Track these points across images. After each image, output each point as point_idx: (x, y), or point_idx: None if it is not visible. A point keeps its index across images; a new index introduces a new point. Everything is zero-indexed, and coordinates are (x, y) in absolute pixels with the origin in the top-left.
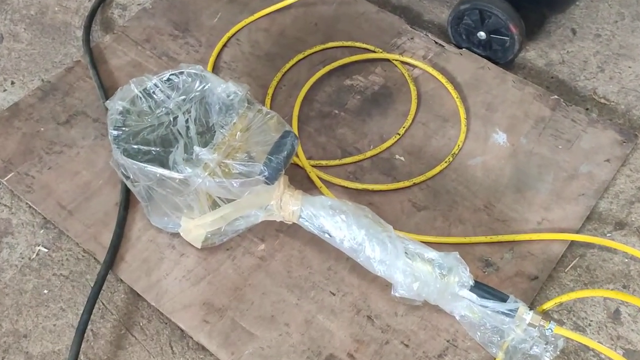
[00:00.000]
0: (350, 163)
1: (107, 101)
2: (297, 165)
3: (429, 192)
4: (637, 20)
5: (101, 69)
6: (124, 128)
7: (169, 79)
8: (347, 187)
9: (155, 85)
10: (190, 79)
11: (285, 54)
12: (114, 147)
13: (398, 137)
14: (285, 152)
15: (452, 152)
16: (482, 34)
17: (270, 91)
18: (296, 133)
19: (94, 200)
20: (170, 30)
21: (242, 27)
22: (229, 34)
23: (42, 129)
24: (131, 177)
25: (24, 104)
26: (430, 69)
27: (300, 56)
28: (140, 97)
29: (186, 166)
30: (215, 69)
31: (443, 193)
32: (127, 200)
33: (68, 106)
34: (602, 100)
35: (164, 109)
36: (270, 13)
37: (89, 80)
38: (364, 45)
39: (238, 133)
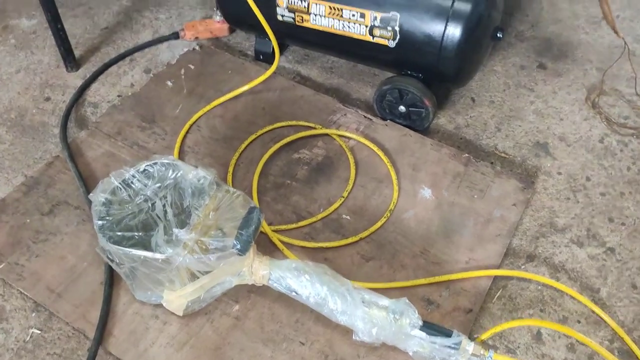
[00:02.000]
0: (305, 225)
1: (90, 194)
2: (261, 231)
3: (374, 244)
4: (520, 88)
5: (79, 161)
6: (107, 217)
7: (144, 170)
8: (304, 247)
9: (133, 176)
10: (164, 168)
11: (240, 136)
12: (100, 236)
13: (343, 199)
14: (253, 226)
15: (389, 209)
16: (402, 108)
17: (231, 169)
18: (257, 204)
19: (80, 281)
20: (138, 123)
21: (200, 116)
22: (190, 122)
23: (28, 220)
24: (116, 260)
25: (10, 199)
26: (363, 140)
27: (253, 137)
28: (120, 188)
29: (167, 247)
30: (181, 153)
31: (385, 244)
32: (111, 279)
33: (50, 197)
34: (503, 155)
35: (142, 196)
36: (224, 102)
37: (68, 172)
38: (306, 123)
39: (210, 213)
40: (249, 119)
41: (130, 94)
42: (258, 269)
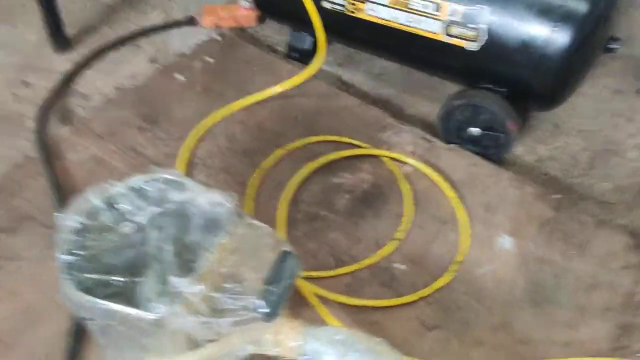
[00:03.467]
0: (346, 273)
1: (56, 214)
2: None
3: (438, 307)
4: (615, 117)
5: (57, 165)
6: (79, 252)
7: (138, 187)
8: (345, 304)
9: (122, 193)
10: (165, 186)
11: (265, 149)
12: (65, 278)
13: (397, 243)
14: (288, 281)
15: (458, 261)
16: (474, 130)
17: (252, 191)
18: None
19: (38, 329)
20: (138, 123)
21: (217, 120)
22: (203, 127)
23: None
24: (86, 316)
25: None
26: (422, 166)
27: (282, 151)
28: (102, 209)
29: (161, 302)
30: (189, 166)
31: (454, 309)
32: (79, 330)
33: (14, 209)
34: (601, 199)
35: (131, 224)
36: (248, 105)
37: (40, 179)
38: (350, 140)
39: (227, 256)
40: (278, 129)
41: (131, 86)
42: (287, 338)
